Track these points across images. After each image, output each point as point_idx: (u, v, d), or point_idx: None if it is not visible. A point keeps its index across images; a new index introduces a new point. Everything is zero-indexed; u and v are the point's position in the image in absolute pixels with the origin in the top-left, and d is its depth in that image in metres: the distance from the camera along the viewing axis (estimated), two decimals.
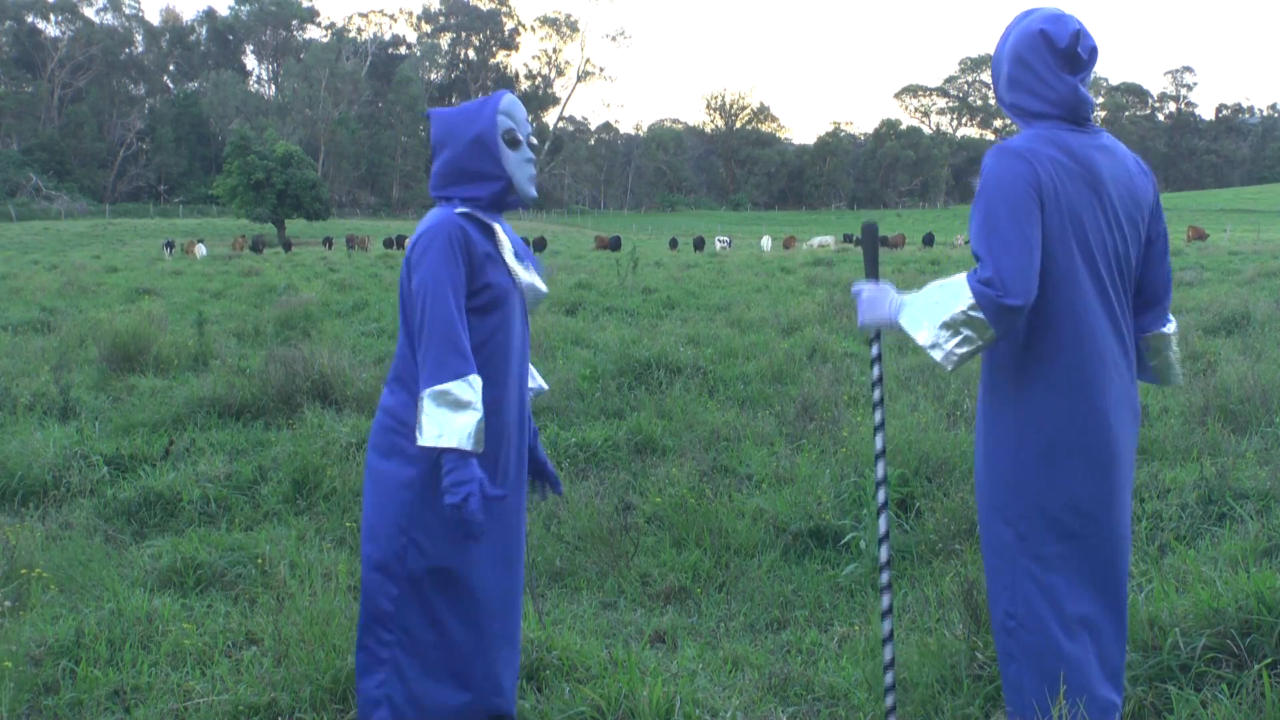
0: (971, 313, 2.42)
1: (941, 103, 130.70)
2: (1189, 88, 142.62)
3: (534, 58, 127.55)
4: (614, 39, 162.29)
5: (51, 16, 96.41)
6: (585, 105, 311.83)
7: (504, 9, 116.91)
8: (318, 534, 4.84)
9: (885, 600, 2.82)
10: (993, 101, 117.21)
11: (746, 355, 9.23)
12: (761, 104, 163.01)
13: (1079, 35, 2.51)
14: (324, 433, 6.09)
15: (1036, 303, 2.51)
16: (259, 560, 4.32)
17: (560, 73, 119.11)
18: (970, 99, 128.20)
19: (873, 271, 2.84)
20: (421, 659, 2.78)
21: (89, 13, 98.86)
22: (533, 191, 2.85)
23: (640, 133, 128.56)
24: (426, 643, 2.76)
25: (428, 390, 2.54)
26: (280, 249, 45.54)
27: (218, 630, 3.72)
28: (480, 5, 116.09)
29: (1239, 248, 33.88)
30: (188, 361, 9.14)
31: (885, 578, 2.82)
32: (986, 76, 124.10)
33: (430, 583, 2.72)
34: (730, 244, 46.56)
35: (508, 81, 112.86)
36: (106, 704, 3.28)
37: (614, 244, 42.83)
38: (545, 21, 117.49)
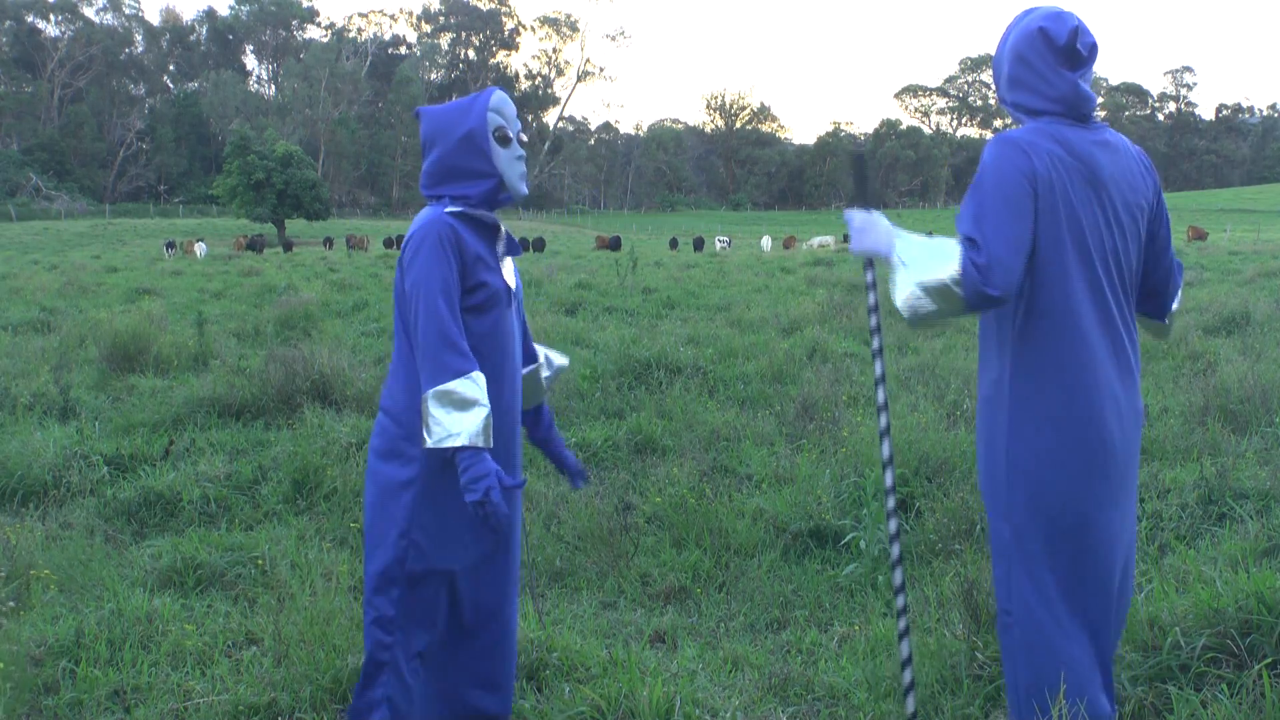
0: (953, 286, 2.44)
1: (941, 103, 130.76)
2: (1189, 88, 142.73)
3: (534, 58, 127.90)
4: (614, 39, 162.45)
5: (51, 16, 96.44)
6: (585, 105, 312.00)
7: (504, 9, 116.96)
8: (318, 534, 4.84)
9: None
10: (993, 101, 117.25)
11: (746, 355, 9.23)
12: (761, 104, 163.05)
13: (1077, 32, 2.52)
14: (324, 433, 6.09)
15: (1028, 300, 2.52)
16: (259, 560, 4.32)
17: (560, 73, 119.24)
18: (970, 99, 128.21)
19: (863, 199, 2.83)
20: (422, 660, 2.79)
21: (89, 13, 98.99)
22: (524, 189, 2.85)
23: (640, 133, 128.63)
24: (427, 644, 2.76)
25: (430, 391, 2.53)
26: (280, 249, 45.53)
27: (218, 630, 3.72)
28: (480, 5, 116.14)
29: (1239, 248, 33.89)
30: (188, 361, 9.14)
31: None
32: (986, 76, 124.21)
33: (431, 584, 2.72)
34: (730, 244, 46.56)
35: (508, 81, 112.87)
36: (106, 704, 3.27)
37: (614, 244, 42.85)
38: (545, 21, 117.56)
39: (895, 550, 2.82)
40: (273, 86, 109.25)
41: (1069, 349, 2.52)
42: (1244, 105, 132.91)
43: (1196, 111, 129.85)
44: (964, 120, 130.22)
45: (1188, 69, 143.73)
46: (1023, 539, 2.58)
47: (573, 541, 4.79)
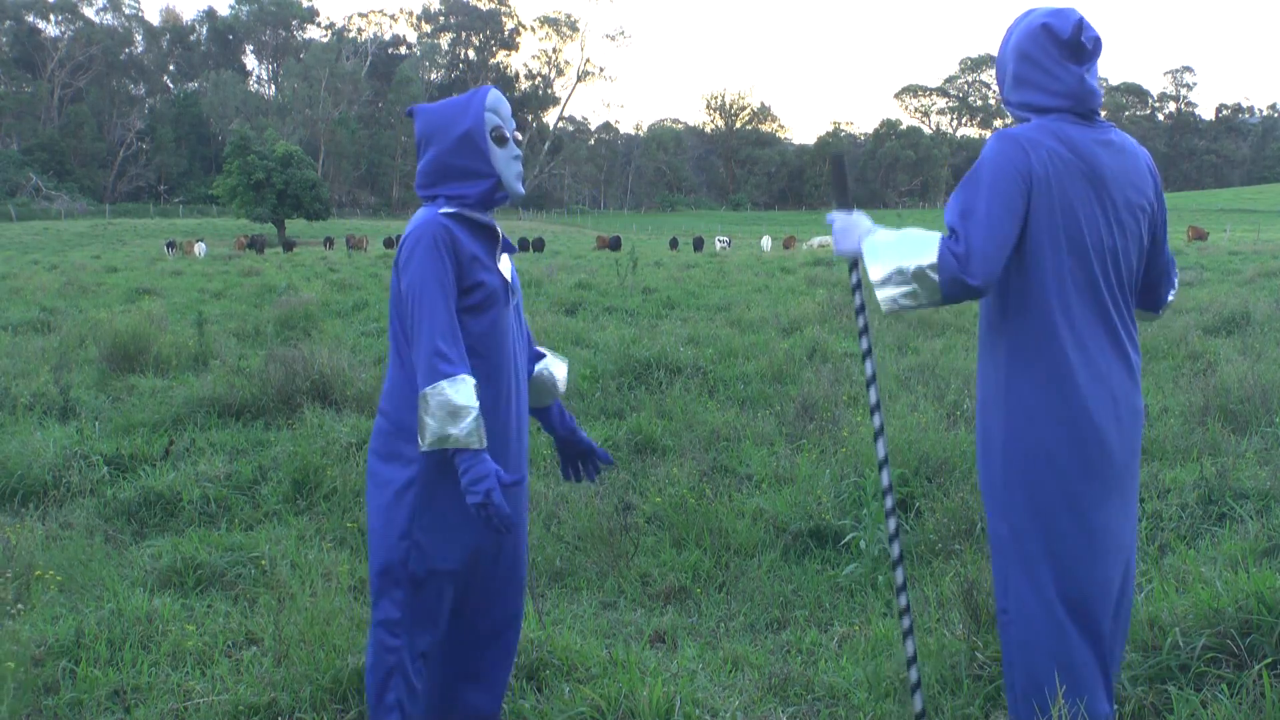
0: (930, 272, 2.46)
1: (941, 103, 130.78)
2: (1189, 88, 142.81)
3: (534, 57, 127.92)
4: (614, 39, 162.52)
5: (51, 16, 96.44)
6: (585, 105, 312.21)
7: (504, 9, 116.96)
8: (318, 534, 4.84)
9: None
10: (993, 101, 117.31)
11: (746, 355, 9.23)
12: (761, 104, 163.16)
13: (1081, 25, 2.53)
14: (324, 433, 6.09)
15: (1026, 300, 2.53)
16: (259, 560, 4.32)
17: (560, 73, 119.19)
18: (970, 99, 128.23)
19: (843, 202, 2.84)
20: (428, 661, 2.78)
21: (89, 13, 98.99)
22: (521, 189, 2.84)
23: (640, 133, 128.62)
24: (430, 644, 2.76)
25: (422, 393, 2.54)
26: (280, 249, 45.51)
27: (218, 630, 3.72)
28: (480, 5, 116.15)
29: (1239, 248, 33.88)
30: (188, 361, 9.14)
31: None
32: (986, 76, 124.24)
33: (435, 585, 2.71)
34: (730, 244, 46.56)
35: (508, 81, 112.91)
36: (106, 704, 3.28)
37: (614, 244, 42.85)
38: (545, 21, 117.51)
39: (895, 549, 2.83)
40: (273, 86, 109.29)
41: (1066, 349, 2.52)
42: (1244, 105, 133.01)
43: (1196, 111, 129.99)
44: (964, 120, 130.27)
45: (1188, 69, 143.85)
46: (1020, 538, 2.59)
47: (573, 541, 4.79)
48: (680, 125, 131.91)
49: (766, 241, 47.29)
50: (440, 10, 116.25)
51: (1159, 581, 3.57)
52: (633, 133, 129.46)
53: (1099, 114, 2.61)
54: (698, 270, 23.61)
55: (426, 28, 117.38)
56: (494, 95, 2.79)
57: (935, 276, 2.45)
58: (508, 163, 2.78)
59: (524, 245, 43.57)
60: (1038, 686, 2.57)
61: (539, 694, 3.31)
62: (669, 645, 3.87)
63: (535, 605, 3.90)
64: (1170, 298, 2.87)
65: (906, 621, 2.81)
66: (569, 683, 3.33)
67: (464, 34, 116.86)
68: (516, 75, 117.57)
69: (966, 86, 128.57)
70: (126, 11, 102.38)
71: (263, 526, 4.94)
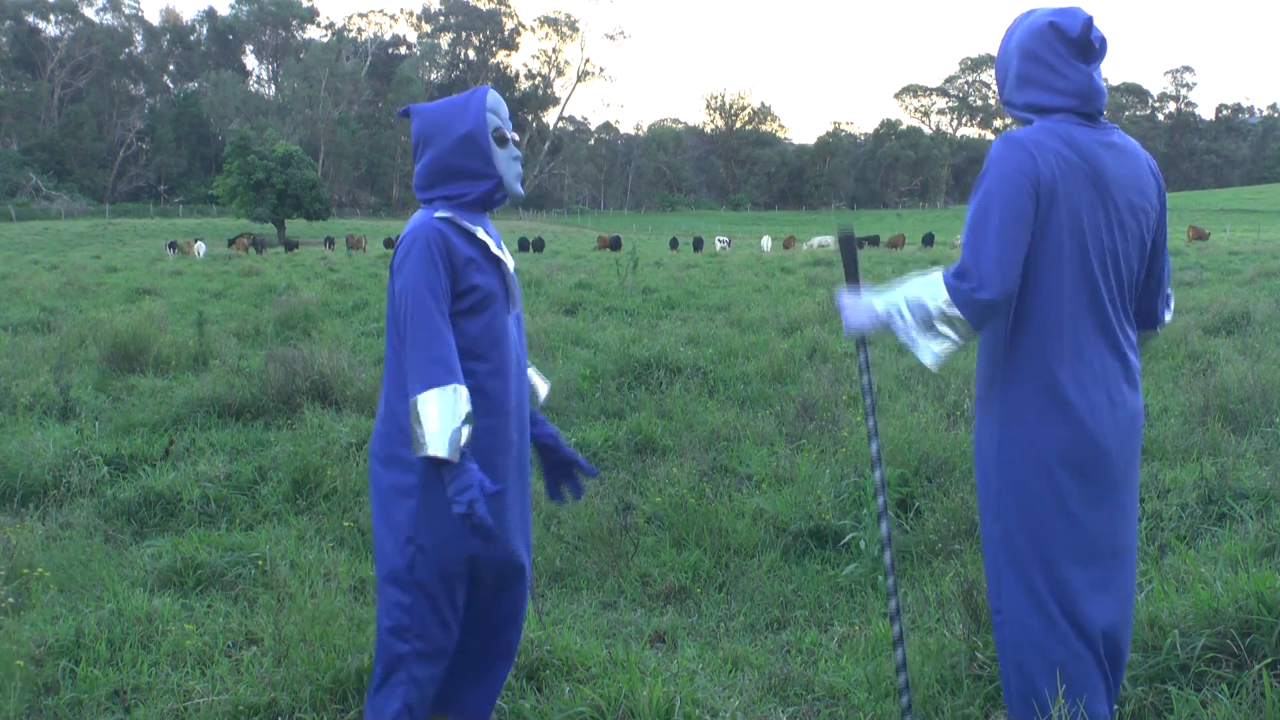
0: (948, 309, 2.45)
1: (941, 103, 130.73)
2: (1189, 88, 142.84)
3: (534, 57, 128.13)
4: (614, 39, 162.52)
5: (51, 16, 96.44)
6: (585, 105, 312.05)
7: (504, 9, 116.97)
8: (318, 534, 4.84)
9: (892, 604, 2.82)
10: (993, 101, 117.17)
11: (746, 355, 9.23)
12: (762, 104, 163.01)
13: (1089, 24, 2.51)
14: (324, 433, 6.09)
15: (1023, 301, 2.51)
16: (259, 560, 4.32)
17: (560, 73, 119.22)
18: (970, 99, 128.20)
19: (852, 277, 2.84)
20: (437, 666, 2.77)
21: (89, 13, 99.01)
22: (520, 190, 2.84)
23: (640, 133, 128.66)
24: (441, 649, 2.75)
25: (411, 400, 2.54)
26: (281, 249, 45.49)
27: (218, 630, 3.72)
28: (480, 5, 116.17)
29: (1239, 248, 33.87)
30: (188, 361, 9.13)
31: (891, 583, 2.83)
32: (986, 76, 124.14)
33: (441, 589, 2.71)
34: (730, 244, 46.56)
35: (508, 81, 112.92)
36: (106, 704, 3.27)
37: (614, 244, 42.86)
38: (545, 21, 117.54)
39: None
40: (273, 86, 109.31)
41: (1063, 350, 2.51)
42: (1244, 105, 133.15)
43: (1196, 111, 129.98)
44: (964, 120, 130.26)
45: (1188, 69, 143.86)
46: (1012, 539, 2.58)
47: (573, 541, 4.79)
48: (680, 125, 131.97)
49: (766, 241, 47.29)
50: (440, 10, 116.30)
51: (1159, 581, 3.57)
52: (633, 133, 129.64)
53: (1102, 115, 2.60)
54: (698, 270, 23.61)
55: (426, 28, 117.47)
56: (493, 96, 2.79)
57: (957, 313, 2.44)
58: (508, 163, 2.78)
59: (524, 245, 43.57)
60: (1033, 687, 2.57)
61: (539, 694, 3.31)
62: (669, 645, 3.87)
63: (535, 605, 3.90)
64: (1167, 317, 2.84)
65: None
66: (569, 683, 3.33)
67: (464, 34, 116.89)
68: (516, 75, 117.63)
69: (966, 86, 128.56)
70: (126, 11, 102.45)
71: (263, 526, 4.94)
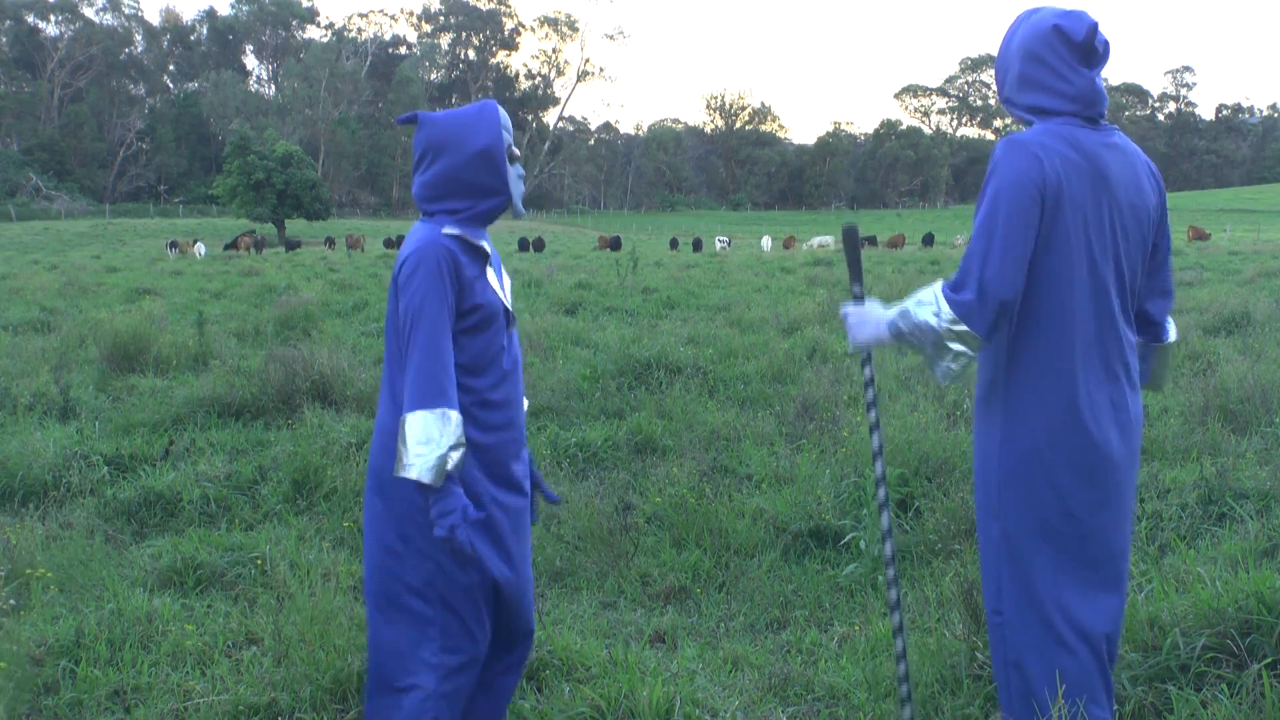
0: (954, 326, 2.44)
1: (941, 103, 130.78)
2: (1189, 88, 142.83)
3: (534, 57, 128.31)
4: (613, 39, 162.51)
5: (51, 16, 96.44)
6: (585, 105, 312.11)
7: (504, 9, 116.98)
8: (318, 534, 4.84)
9: (893, 594, 2.82)
10: (993, 101, 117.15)
11: (746, 355, 9.23)
12: (762, 104, 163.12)
13: (1094, 30, 2.50)
14: (324, 433, 6.09)
15: (1027, 303, 2.51)
16: (259, 560, 4.32)
17: (560, 73, 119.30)
18: (970, 99, 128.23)
19: (856, 274, 2.83)
20: (462, 676, 2.75)
21: (89, 13, 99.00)
22: (522, 209, 2.88)
23: (640, 133, 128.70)
24: (471, 658, 2.74)
25: (402, 418, 2.53)
26: (281, 249, 45.48)
27: (218, 630, 3.72)
28: (480, 5, 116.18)
29: (1239, 248, 33.89)
30: (188, 361, 9.14)
31: (891, 573, 2.83)
32: (986, 76, 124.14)
33: (462, 600, 2.70)
34: (730, 244, 46.56)
35: (508, 81, 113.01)
36: (106, 704, 3.28)
37: (615, 244, 42.87)
38: (545, 21, 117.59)
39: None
40: (273, 86, 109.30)
41: (1064, 352, 2.50)
42: (1244, 105, 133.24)
43: (1196, 111, 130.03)
44: (964, 120, 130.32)
45: (1188, 69, 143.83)
46: (1012, 540, 2.58)
47: (573, 541, 4.79)
48: (680, 125, 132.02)
49: (766, 241, 47.29)
50: (440, 10, 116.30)
51: (1159, 581, 3.57)
52: (633, 133, 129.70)
53: (1104, 117, 2.59)
54: (698, 270, 23.61)
55: (426, 28, 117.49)
56: (503, 112, 2.81)
57: (963, 328, 2.44)
58: (515, 181, 2.80)
59: (524, 245, 43.57)
60: (1033, 689, 2.57)
61: (539, 694, 3.31)
62: (669, 645, 3.87)
63: (535, 605, 3.90)
64: (1171, 332, 2.83)
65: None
66: (569, 683, 3.33)
67: (464, 34, 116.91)
68: (516, 75, 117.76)
69: (966, 86, 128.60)
70: (126, 11, 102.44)
71: (263, 526, 4.94)
